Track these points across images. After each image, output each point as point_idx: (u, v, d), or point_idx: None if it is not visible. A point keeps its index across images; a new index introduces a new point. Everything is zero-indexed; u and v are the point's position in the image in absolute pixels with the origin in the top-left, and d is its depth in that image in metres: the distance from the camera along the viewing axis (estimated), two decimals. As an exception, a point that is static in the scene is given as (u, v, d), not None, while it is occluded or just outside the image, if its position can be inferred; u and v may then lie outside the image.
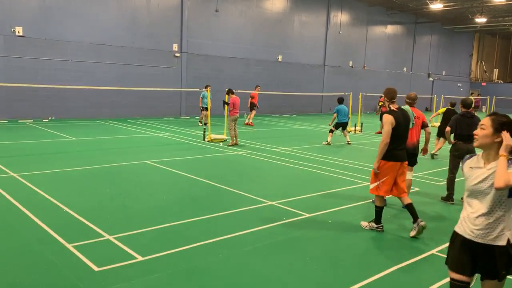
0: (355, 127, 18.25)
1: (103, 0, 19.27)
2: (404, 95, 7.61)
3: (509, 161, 2.80)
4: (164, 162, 9.96)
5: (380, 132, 15.88)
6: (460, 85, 42.41)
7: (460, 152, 7.18)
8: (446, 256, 3.16)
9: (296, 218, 6.25)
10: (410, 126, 6.98)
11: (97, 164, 9.44)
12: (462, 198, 3.35)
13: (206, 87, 16.14)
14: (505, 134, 2.84)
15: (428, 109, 36.92)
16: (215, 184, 8.07)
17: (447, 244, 3.26)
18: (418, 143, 7.14)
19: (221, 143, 13.30)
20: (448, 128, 7.31)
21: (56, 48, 18.17)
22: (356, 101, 22.87)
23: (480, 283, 3.04)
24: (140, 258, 4.61)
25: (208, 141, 13.46)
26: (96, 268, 4.33)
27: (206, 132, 13.89)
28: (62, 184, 7.72)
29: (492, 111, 28.33)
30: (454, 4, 29.88)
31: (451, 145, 7.51)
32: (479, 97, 34.06)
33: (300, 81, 27.65)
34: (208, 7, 22.71)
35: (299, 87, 27.41)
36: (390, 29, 33.92)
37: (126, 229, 5.47)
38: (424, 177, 9.43)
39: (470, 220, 2.96)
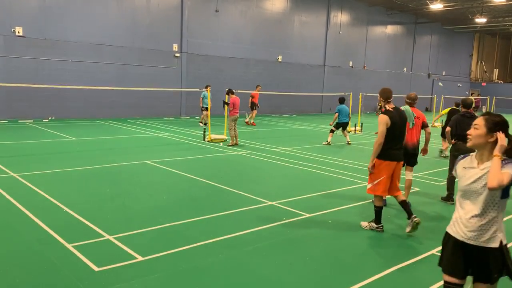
0: (355, 127, 18.25)
1: (103, 0, 19.28)
2: (404, 95, 7.61)
3: (503, 162, 2.76)
4: (164, 162, 9.96)
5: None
6: (460, 85, 42.41)
7: (461, 152, 7.15)
8: (439, 257, 3.14)
9: (296, 218, 6.25)
10: (410, 126, 7.00)
11: (97, 164, 9.43)
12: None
13: (206, 87, 16.15)
14: (499, 135, 2.82)
15: (428, 109, 36.92)
16: (215, 184, 8.07)
17: (446, 245, 3.25)
18: (418, 143, 7.15)
19: (221, 143, 13.30)
20: (448, 128, 7.31)
21: (56, 48, 18.17)
22: (356, 101, 22.86)
23: (472, 286, 3.01)
24: (140, 258, 4.61)
25: (208, 141, 13.46)
26: (96, 268, 4.33)
27: (206, 132, 13.89)
28: (62, 184, 7.72)
29: (492, 111, 28.37)
30: (454, 4, 29.88)
31: (451, 145, 7.51)
32: (479, 97, 34.07)
33: (300, 81, 27.66)
34: (208, 7, 22.71)
35: (299, 87, 27.41)
36: (390, 29, 33.92)
37: (126, 229, 5.47)
38: (424, 177, 9.43)
39: (463, 222, 2.93)
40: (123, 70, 20.10)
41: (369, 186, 5.87)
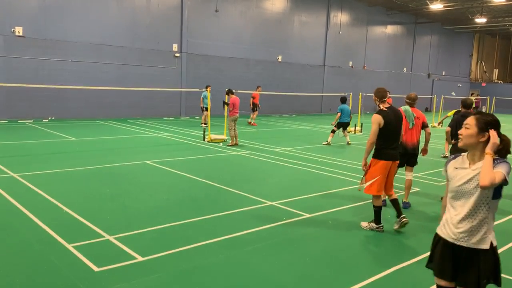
0: (355, 127, 18.25)
1: (103, 0, 19.28)
2: (404, 96, 7.61)
3: (495, 161, 2.73)
4: (164, 162, 9.96)
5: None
6: (460, 85, 42.42)
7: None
8: (428, 259, 3.11)
9: (296, 218, 6.25)
10: (410, 126, 7.01)
11: (97, 164, 9.43)
12: (441, 198, 3.31)
13: (206, 87, 16.16)
14: (492, 132, 2.77)
15: (428, 109, 36.92)
16: (215, 184, 8.07)
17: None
18: (418, 144, 7.15)
19: (221, 143, 13.30)
20: (448, 128, 7.31)
21: (56, 48, 18.17)
22: (356, 101, 22.86)
23: None
24: (140, 258, 4.61)
25: (208, 141, 13.46)
26: (96, 268, 4.33)
27: (206, 132, 13.89)
28: (62, 184, 7.72)
29: (492, 111, 28.38)
30: (454, 4, 29.88)
31: (451, 145, 7.51)
32: (479, 97, 34.08)
33: (300, 81, 27.65)
34: (208, 7, 22.71)
35: (299, 87, 27.40)
36: (390, 29, 33.93)
37: (126, 229, 5.47)
38: (424, 177, 9.43)
39: (453, 223, 2.88)
40: (123, 70, 20.10)
41: (365, 185, 5.90)
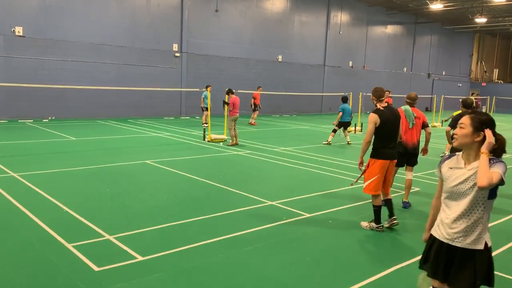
0: (355, 127, 18.25)
1: (103, 0, 19.28)
2: (404, 95, 7.61)
3: (491, 161, 2.70)
4: (164, 162, 9.96)
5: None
6: (460, 85, 42.43)
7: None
8: (422, 260, 3.09)
9: (296, 218, 6.24)
10: (410, 126, 7.01)
11: (97, 164, 9.43)
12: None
13: (206, 87, 16.16)
14: (487, 132, 2.74)
15: (428, 109, 36.92)
16: (215, 184, 8.07)
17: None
18: (419, 143, 7.15)
19: (221, 143, 13.30)
20: (448, 128, 7.31)
21: (56, 48, 18.17)
22: (356, 101, 22.86)
23: (425, 278, 2.96)
24: (140, 258, 4.61)
25: (208, 141, 13.46)
26: (96, 268, 4.33)
27: (206, 132, 13.89)
28: (62, 184, 7.72)
29: (492, 111, 28.35)
30: (454, 4, 29.88)
31: (451, 145, 7.51)
32: (479, 97, 34.09)
33: (300, 81, 27.65)
34: (208, 7, 22.71)
35: (299, 87, 27.40)
36: (390, 29, 33.92)
37: (126, 229, 5.47)
38: (424, 177, 9.43)
39: (448, 223, 2.85)
40: (123, 70, 20.10)
41: (364, 185, 5.92)
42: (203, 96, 17.83)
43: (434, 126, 21.73)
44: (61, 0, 18.13)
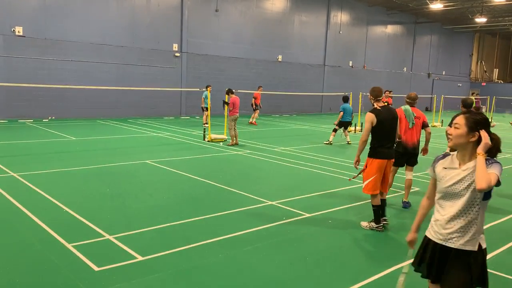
0: (355, 127, 18.25)
1: (103, 0, 19.28)
2: (404, 95, 7.61)
3: (487, 161, 2.67)
4: (164, 162, 9.96)
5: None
6: (460, 85, 42.43)
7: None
8: (413, 260, 3.08)
9: (296, 218, 6.25)
10: (410, 126, 7.01)
11: (97, 164, 9.44)
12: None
13: (206, 87, 16.16)
14: (483, 133, 2.71)
15: (428, 109, 36.92)
16: (215, 184, 8.08)
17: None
18: (419, 143, 7.15)
19: (221, 143, 13.30)
20: (448, 128, 7.29)
21: (56, 48, 18.17)
22: (356, 101, 22.86)
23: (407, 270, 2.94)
24: (140, 258, 4.61)
25: (208, 141, 13.46)
26: (96, 268, 4.33)
27: (206, 132, 13.89)
28: (62, 184, 7.72)
29: (492, 111, 28.35)
30: (454, 4, 29.88)
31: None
32: (479, 97, 34.07)
33: (300, 81, 27.66)
34: (208, 7, 22.72)
35: (299, 87, 27.41)
36: (390, 29, 33.92)
37: (126, 229, 5.47)
38: (424, 177, 9.43)
39: (441, 224, 2.83)
40: (123, 70, 20.10)
41: (363, 185, 5.93)
42: (203, 96, 17.82)
43: (434, 126, 21.73)
44: (61, 0, 18.13)
